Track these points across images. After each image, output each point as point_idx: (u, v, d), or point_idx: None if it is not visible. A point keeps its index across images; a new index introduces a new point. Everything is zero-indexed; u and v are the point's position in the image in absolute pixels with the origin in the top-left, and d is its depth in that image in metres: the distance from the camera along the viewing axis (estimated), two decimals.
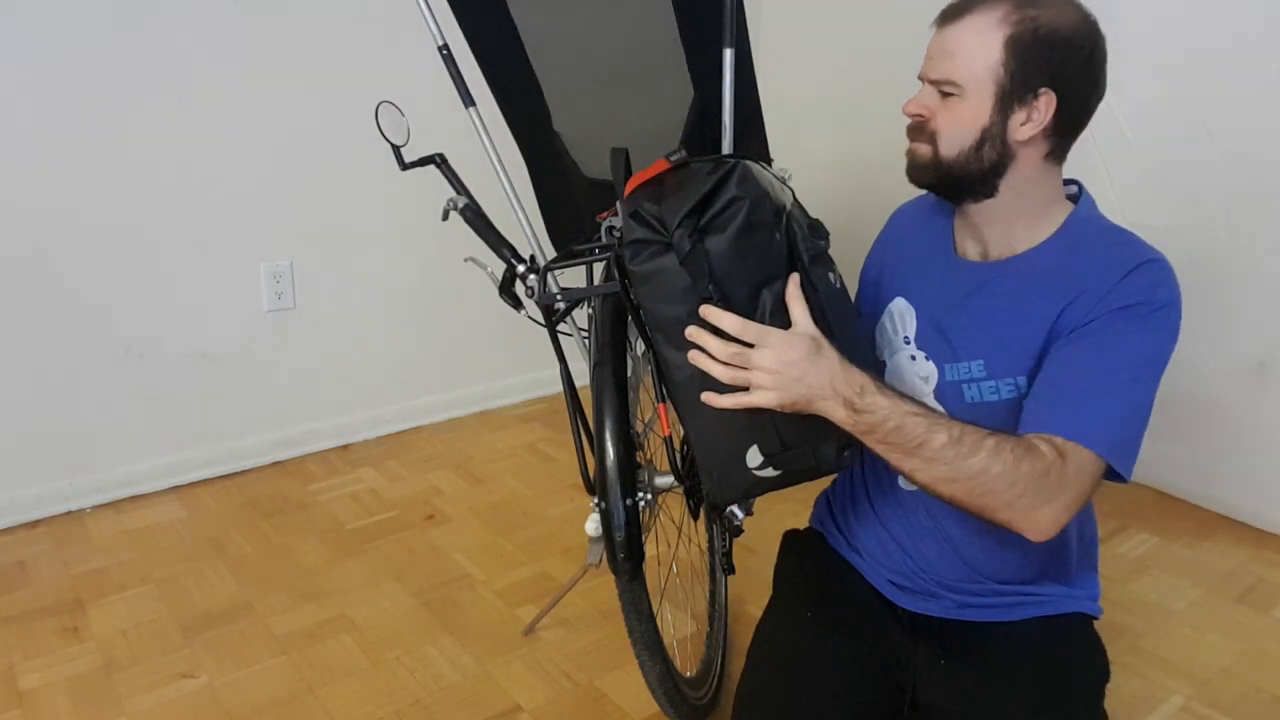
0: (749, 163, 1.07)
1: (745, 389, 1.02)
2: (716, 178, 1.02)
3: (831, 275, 1.09)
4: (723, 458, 1.09)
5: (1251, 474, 2.15)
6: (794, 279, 1.03)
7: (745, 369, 1.00)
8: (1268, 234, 2.03)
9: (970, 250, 1.19)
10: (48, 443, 2.19)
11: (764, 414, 1.03)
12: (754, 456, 1.07)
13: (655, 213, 1.04)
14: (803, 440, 1.05)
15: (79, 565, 2.02)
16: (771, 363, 0.99)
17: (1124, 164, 2.21)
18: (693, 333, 1.03)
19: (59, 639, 1.77)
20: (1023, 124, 1.07)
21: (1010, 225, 1.15)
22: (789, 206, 1.08)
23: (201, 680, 1.66)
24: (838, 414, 1.00)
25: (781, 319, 1.03)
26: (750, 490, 1.11)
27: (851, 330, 1.11)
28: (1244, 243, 2.06)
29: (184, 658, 1.72)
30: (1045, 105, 1.06)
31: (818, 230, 1.10)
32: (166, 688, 1.64)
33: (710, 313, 1.01)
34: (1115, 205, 2.23)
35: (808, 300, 1.04)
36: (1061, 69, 1.05)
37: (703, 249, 1.01)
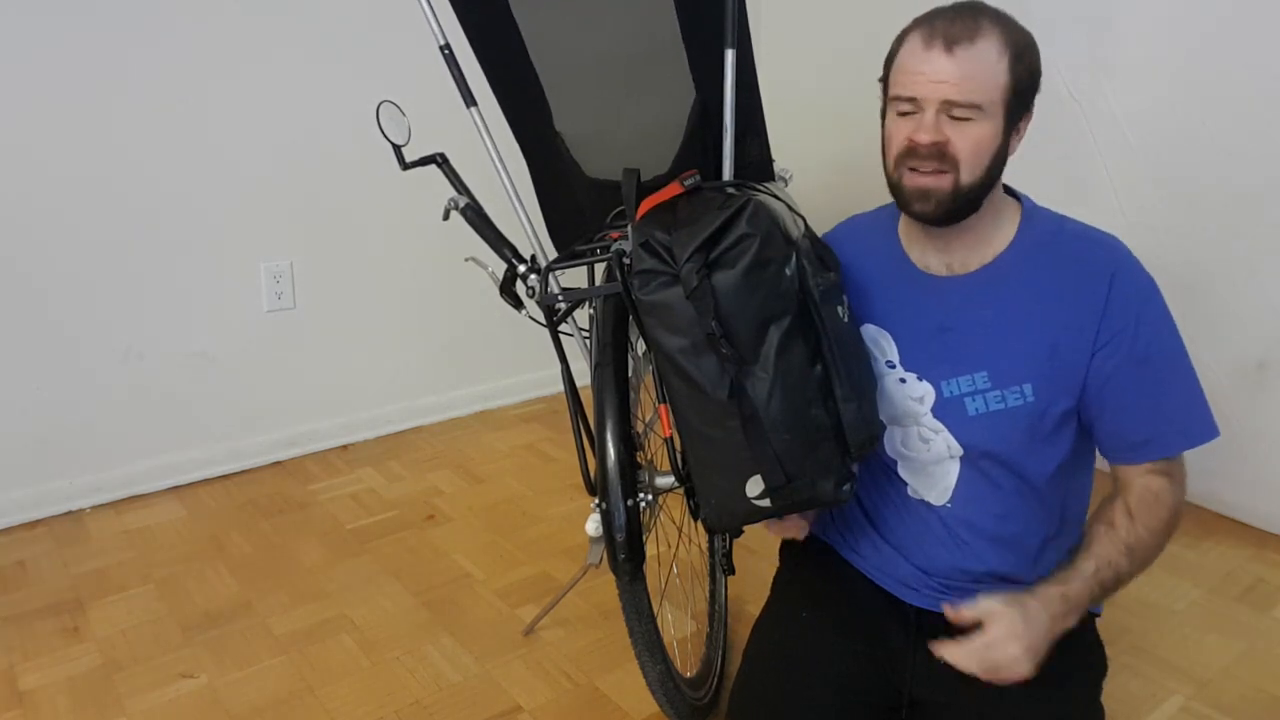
0: (761, 197, 1.08)
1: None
2: (728, 213, 1.03)
3: (840, 310, 1.09)
4: (722, 487, 1.10)
5: (1251, 474, 2.15)
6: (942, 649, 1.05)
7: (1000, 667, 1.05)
8: (1267, 234, 2.03)
9: (935, 265, 1.19)
10: (48, 443, 2.19)
11: (767, 447, 1.05)
12: (754, 486, 1.08)
13: (665, 243, 1.05)
14: (804, 473, 1.07)
15: (79, 565, 2.02)
16: (1018, 650, 1.03)
17: (1124, 164, 2.21)
18: (938, 649, 1.06)
19: (59, 639, 1.77)
20: (1015, 140, 1.11)
21: (978, 235, 1.16)
22: (799, 238, 1.08)
23: (201, 680, 1.66)
24: (1073, 621, 1.08)
25: (787, 358, 1.04)
26: (748, 518, 1.12)
27: (859, 364, 1.12)
28: (1244, 242, 2.06)
29: (184, 658, 1.72)
30: (1026, 120, 1.12)
31: (827, 261, 1.10)
32: (166, 688, 1.64)
33: (941, 649, 1.05)
34: (1115, 205, 2.23)
35: (817, 339, 1.06)
36: (1036, 85, 1.10)
37: (710, 284, 1.03)
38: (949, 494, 1.20)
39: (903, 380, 1.19)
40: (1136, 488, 1.15)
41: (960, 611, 1.05)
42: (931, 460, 1.20)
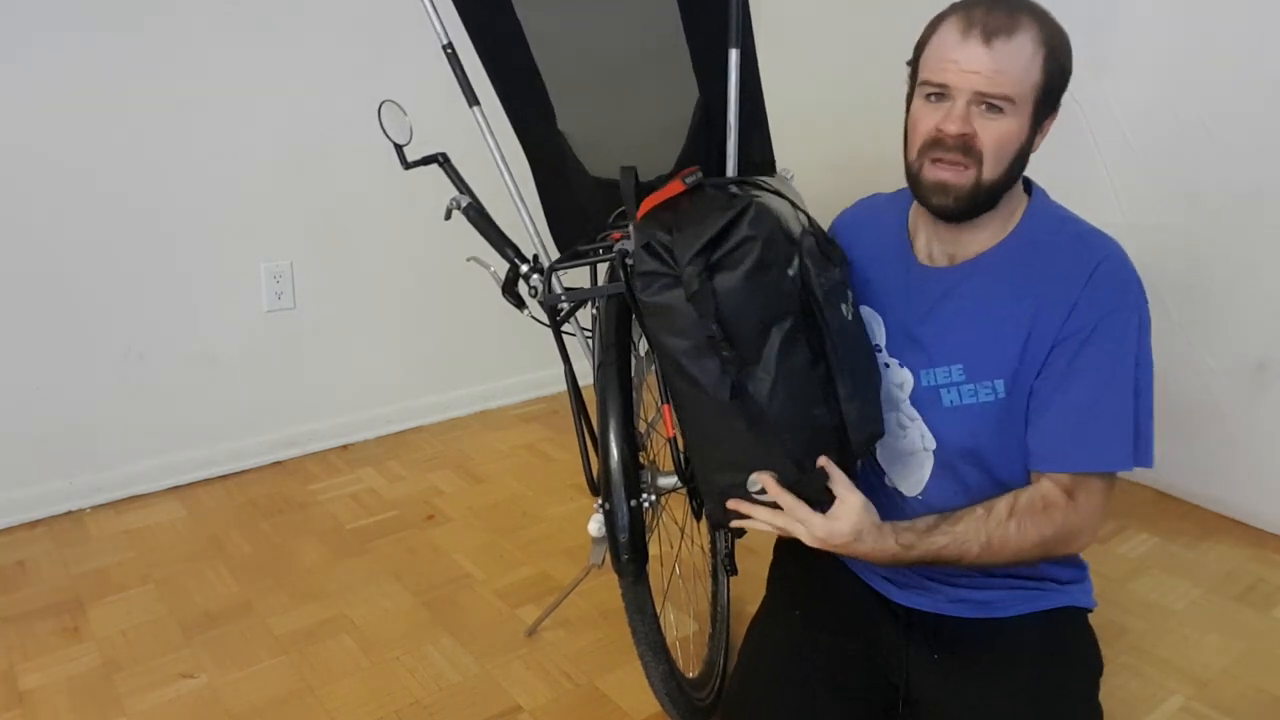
0: (764, 196, 1.07)
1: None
2: (730, 215, 1.02)
3: (844, 308, 1.09)
4: (726, 485, 1.10)
5: (1251, 474, 2.15)
6: (825, 461, 1.08)
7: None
8: (1267, 233, 2.03)
9: (936, 255, 1.19)
10: (48, 443, 2.19)
11: (777, 444, 1.06)
12: (755, 483, 1.08)
13: (667, 244, 1.05)
14: (810, 470, 1.08)
15: (79, 565, 2.02)
16: (811, 540, 1.08)
17: (1124, 164, 2.22)
18: (735, 505, 1.10)
19: (59, 639, 1.77)
20: (1039, 139, 1.10)
21: (983, 228, 1.15)
22: (802, 235, 1.08)
23: (201, 680, 1.66)
24: (883, 562, 1.12)
25: (789, 359, 1.04)
26: None
27: (862, 363, 1.12)
28: (1243, 242, 2.07)
29: (184, 658, 1.72)
30: (1051, 120, 1.11)
31: (832, 258, 1.09)
32: (166, 688, 1.64)
33: (765, 481, 1.07)
34: (1115, 205, 2.23)
35: (820, 339, 1.06)
36: (1065, 85, 1.09)
37: (711, 287, 1.02)
38: (921, 486, 1.21)
39: (887, 365, 1.20)
40: (1033, 491, 1.12)
41: (830, 466, 1.08)
42: (906, 450, 1.20)
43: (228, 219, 2.33)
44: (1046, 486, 1.11)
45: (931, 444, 1.18)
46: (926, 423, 1.18)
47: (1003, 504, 1.10)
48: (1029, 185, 1.19)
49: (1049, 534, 1.10)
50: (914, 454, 1.20)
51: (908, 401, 1.19)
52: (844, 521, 1.07)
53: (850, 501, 1.07)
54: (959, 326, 1.15)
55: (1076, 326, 1.09)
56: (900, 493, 1.23)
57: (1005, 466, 1.16)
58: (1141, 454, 1.10)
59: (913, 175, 1.12)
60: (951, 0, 1.09)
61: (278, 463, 2.51)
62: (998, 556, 1.10)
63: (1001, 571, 1.21)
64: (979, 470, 1.17)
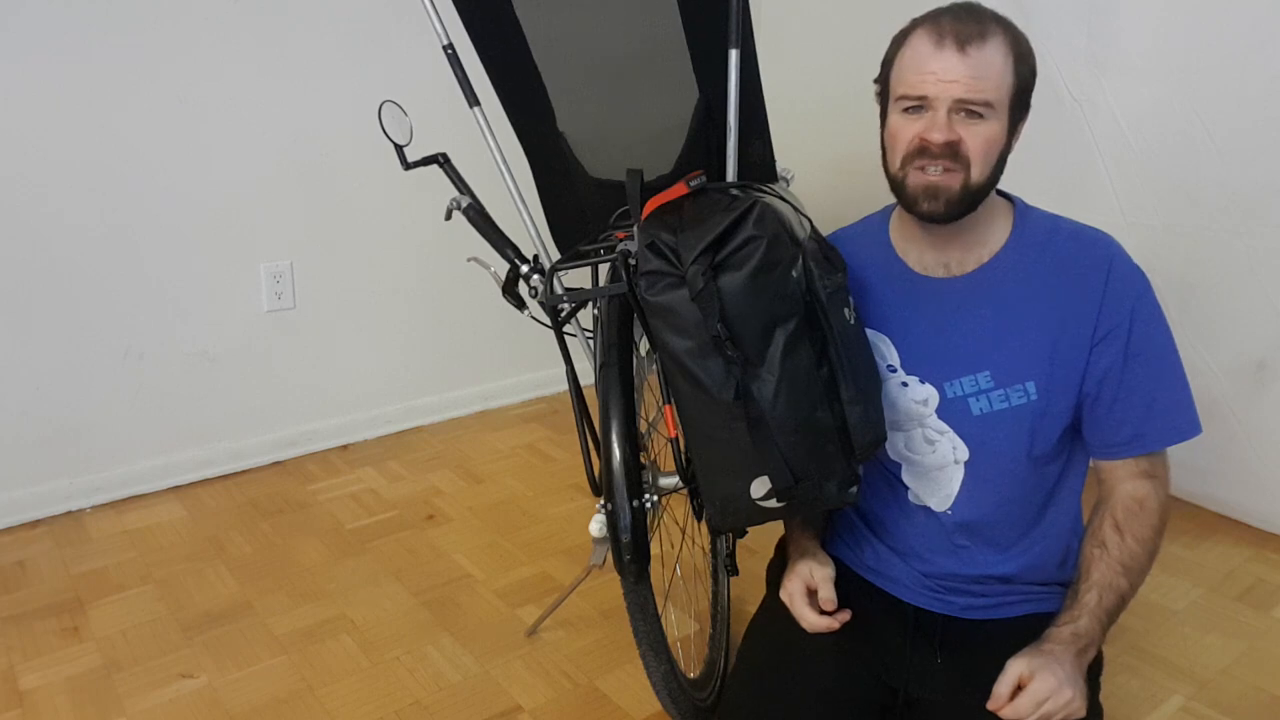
0: (767, 198, 1.07)
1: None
2: (734, 215, 1.03)
3: (847, 311, 1.09)
4: (727, 488, 1.10)
5: (1251, 474, 2.15)
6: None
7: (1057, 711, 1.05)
8: (1267, 234, 2.03)
9: (931, 267, 1.19)
10: (48, 443, 2.19)
11: (774, 449, 1.05)
12: (759, 487, 1.08)
13: (671, 244, 1.05)
14: (810, 475, 1.07)
15: (79, 565, 2.02)
16: (1070, 693, 1.05)
17: (1124, 164, 2.22)
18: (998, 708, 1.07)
19: (59, 639, 1.77)
20: (1014, 141, 1.12)
21: (974, 235, 1.16)
22: (806, 239, 1.08)
23: (201, 680, 1.66)
24: (1093, 654, 1.12)
25: (793, 360, 1.05)
26: (752, 519, 1.12)
27: (865, 366, 1.12)
28: (1243, 242, 2.07)
29: (184, 658, 1.72)
30: (1023, 122, 1.12)
31: (834, 262, 1.09)
32: (166, 688, 1.64)
33: (1003, 710, 1.06)
34: (1115, 205, 2.23)
35: (823, 341, 1.06)
36: (1033, 87, 1.11)
37: (715, 286, 1.03)
38: (950, 501, 1.20)
39: (905, 384, 1.19)
40: (1121, 496, 1.15)
41: (1003, 695, 1.06)
42: (936, 465, 1.20)
43: (228, 219, 2.33)
44: (1129, 485, 1.15)
45: (964, 455, 1.18)
46: (958, 434, 1.17)
47: (1108, 531, 1.14)
48: (1003, 192, 1.20)
49: (1155, 524, 1.14)
50: (944, 468, 1.19)
51: (934, 416, 1.18)
52: (1040, 672, 1.05)
53: (1012, 667, 1.07)
54: (981, 334, 1.15)
55: (1115, 321, 1.11)
56: (929, 509, 1.22)
57: (1032, 467, 1.17)
58: (1197, 422, 1.16)
59: (898, 184, 1.12)
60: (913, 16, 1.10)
61: (278, 463, 2.51)
62: (1143, 571, 1.14)
63: (1021, 578, 1.22)
64: (1010, 477, 1.18)
